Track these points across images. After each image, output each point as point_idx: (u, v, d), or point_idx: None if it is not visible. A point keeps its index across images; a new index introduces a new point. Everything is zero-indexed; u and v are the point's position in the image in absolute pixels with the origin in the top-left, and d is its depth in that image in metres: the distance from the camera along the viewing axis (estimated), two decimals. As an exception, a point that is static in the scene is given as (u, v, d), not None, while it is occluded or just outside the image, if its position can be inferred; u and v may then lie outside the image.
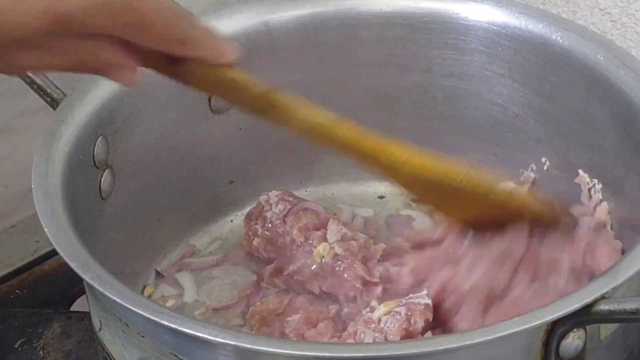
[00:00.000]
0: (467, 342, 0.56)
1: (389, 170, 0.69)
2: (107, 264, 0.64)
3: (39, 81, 0.75)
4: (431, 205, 0.75)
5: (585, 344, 0.59)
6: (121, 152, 0.77)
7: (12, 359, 0.79)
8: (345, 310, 0.77)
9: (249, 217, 0.83)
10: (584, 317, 0.57)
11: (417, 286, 0.75)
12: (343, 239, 0.79)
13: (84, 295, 0.80)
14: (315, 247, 0.79)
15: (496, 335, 0.57)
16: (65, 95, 0.75)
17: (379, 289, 0.77)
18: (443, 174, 0.69)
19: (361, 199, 0.90)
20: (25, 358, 0.79)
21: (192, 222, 0.86)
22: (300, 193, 0.89)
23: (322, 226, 0.80)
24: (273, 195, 0.83)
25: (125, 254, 0.79)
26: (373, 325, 0.68)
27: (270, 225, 0.81)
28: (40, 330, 0.81)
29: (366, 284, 0.77)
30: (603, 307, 0.57)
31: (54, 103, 0.75)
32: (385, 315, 0.69)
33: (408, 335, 0.67)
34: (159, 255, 0.84)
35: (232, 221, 0.88)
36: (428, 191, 0.70)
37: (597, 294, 0.57)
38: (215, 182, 0.87)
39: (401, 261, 0.77)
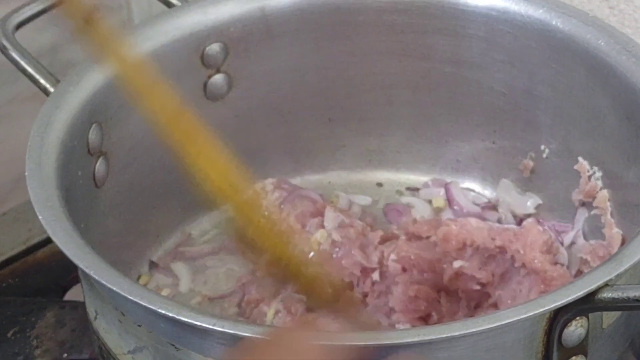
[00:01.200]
0: (471, 330, 0.56)
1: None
2: (102, 253, 0.63)
3: (30, 68, 0.73)
4: None
5: (587, 332, 0.58)
6: (115, 140, 0.76)
7: (5, 348, 0.78)
8: (342, 296, 0.76)
9: (245, 205, 0.82)
10: (587, 305, 0.57)
11: (404, 273, 0.76)
12: (341, 226, 0.78)
13: (78, 284, 0.79)
14: (312, 234, 0.78)
15: (499, 323, 0.56)
16: (58, 81, 0.74)
17: (376, 274, 0.76)
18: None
19: (359, 186, 0.89)
20: (19, 347, 0.78)
21: (188, 210, 0.85)
22: (296, 181, 0.88)
23: (319, 213, 0.80)
24: (268, 183, 0.82)
25: (120, 243, 0.78)
26: None
27: (266, 213, 0.80)
28: (33, 319, 0.80)
29: (364, 270, 0.77)
30: (607, 294, 0.56)
31: (47, 90, 0.73)
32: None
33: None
34: (154, 244, 0.84)
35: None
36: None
37: (600, 282, 0.57)
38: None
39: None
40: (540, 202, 0.84)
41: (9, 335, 0.79)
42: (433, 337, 0.55)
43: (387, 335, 0.58)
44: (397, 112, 0.87)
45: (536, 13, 0.78)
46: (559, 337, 0.58)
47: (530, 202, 0.84)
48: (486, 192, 0.87)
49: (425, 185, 0.88)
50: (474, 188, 0.87)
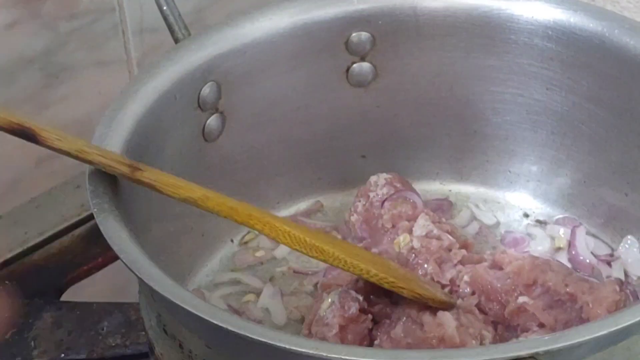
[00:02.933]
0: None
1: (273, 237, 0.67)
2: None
3: (170, 17, 0.79)
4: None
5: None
6: (237, 102, 0.80)
7: (3, 349, 0.78)
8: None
9: (358, 194, 0.84)
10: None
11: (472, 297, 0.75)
12: (427, 236, 0.78)
13: (74, 285, 0.85)
14: (398, 235, 0.78)
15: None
16: (189, 35, 0.79)
17: (446, 290, 0.76)
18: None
19: (492, 206, 0.87)
20: (17, 349, 0.78)
21: (315, 185, 0.88)
22: (433, 185, 0.88)
23: (414, 218, 0.80)
24: (382, 177, 0.83)
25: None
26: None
27: (369, 205, 0.82)
28: (30, 321, 0.80)
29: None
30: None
31: (178, 40, 0.79)
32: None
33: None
34: (272, 208, 0.86)
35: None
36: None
37: (526, 351, 0.53)
38: (346, 153, 0.87)
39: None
40: (659, 269, 0.78)
41: (7, 336, 0.79)
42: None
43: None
44: (541, 140, 0.84)
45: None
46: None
47: (649, 265, 0.79)
48: (613, 245, 0.82)
49: (556, 221, 0.84)
50: (600, 236, 0.82)
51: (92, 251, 0.87)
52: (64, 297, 0.85)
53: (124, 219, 0.64)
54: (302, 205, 0.88)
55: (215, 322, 0.57)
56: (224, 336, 0.58)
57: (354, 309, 0.72)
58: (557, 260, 0.77)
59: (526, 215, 0.86)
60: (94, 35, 0.90)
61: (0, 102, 0.86)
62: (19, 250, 0.88)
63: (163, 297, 0.58)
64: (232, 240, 0.85)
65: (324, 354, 0.55)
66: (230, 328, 0.56)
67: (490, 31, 0.81)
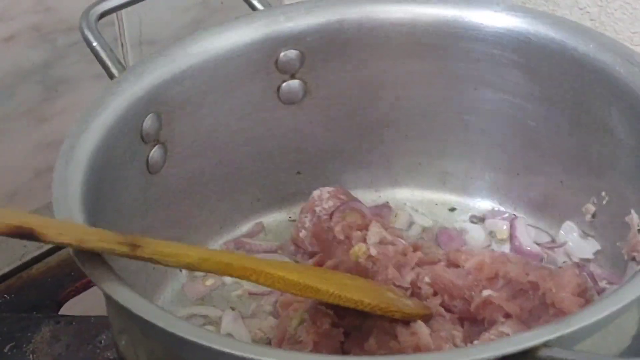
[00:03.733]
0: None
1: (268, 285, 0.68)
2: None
3: (102, 54, 0.78)
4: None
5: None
6: (177, 131, 0.80)
7: None
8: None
9: (302, 210, 0.85)
10: (525, 360, 0.56)
11: (435, 297, 0.76)
12: (381, 242, 0.79)
13: (72, 299, 0.85)
14: (353, 245, 0.79)
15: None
16: (124, 69, 0.78)
17: (407, 294, 0.77)
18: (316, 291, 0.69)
19: (429, 208, 0.89)
20: None
21: (256, 206, 0.88)
22: (369, 193, 0.90)
23: (365, 227, 0.81)
24: (325, 191, 0.84)
25: (176, 229, 0.82)
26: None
27: (317, 220, 0.83)
28: (29, 335, 0.81)
29: (396, 288, 0.77)
30: (543, 354, 0.55)
31: (113, 75, 0.78)
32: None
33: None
34: (215, 234, 0.87)
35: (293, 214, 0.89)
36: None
37: (535, 341, 0.55)
38: (283, 171, 0.88)
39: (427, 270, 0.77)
40: (599, 248, 0.81)
41: (5, 350, 0.80)
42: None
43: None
44: (472, 138, 0.87)
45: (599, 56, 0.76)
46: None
47: (589, 248, 0.82)
48: (551, 232, 0.85)
49: (494, 214, 0.87)
50: (539, 225, 0.85)
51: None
52: (62, 311, 0.85)
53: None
54: (244, 227, 0.88)
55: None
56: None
57: (326, 324, 0.72)
58: (512, 253, 0.80)
59: (463, 213, 0.88)
60: None
61: (0, 116, 0.85)
62: (18, 263, 0.89)
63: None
64: (180, 270, 0.84)
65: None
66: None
67: (415, 37, 0.83)
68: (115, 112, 0.75)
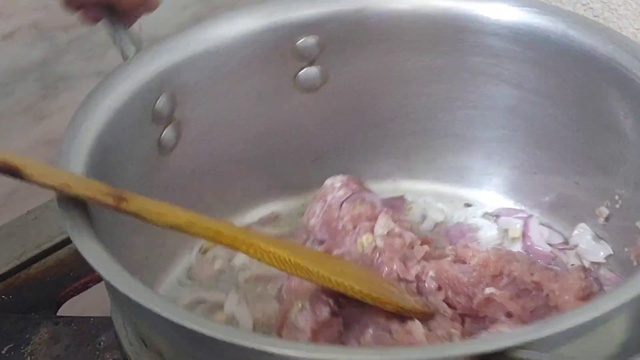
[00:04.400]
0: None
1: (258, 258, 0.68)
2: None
3: (116, 36, 0.79)
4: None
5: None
6: (190, 114, 0.80)
7: None
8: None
9: (316, 197, 0.85)
10: (499, 361, 0.55)
11: (439, 292, 0.76)
12: (389, 234, 0.79)
13: (71, 299, 0.85)
14: (360, 236, 0.79)
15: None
16: (138, 51, 0.79)
17: (412, 287, 0.77)
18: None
19: (445, 202, 0.88)
20: None
21: (269, 193, 0.88)
22: (386, 184, 0.89)
23: (374, 218, 0.81)
24: (337, 180, 0.84)
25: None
26: None
27: (328, 208, 0.83)
28: (27, 336, 0.80)
29: (401, 280, 0.77)
30: (518, 356, 0.54)
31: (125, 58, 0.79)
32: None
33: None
34: (229, 216, 0.86)
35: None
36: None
37: (511, 343, 0.55)
38: (299, 158, 0.88)
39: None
40: (611, 252, 0.80)
41: (3, 352, 0.79)
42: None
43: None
44: (490, 135, 0.86)
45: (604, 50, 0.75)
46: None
47: (601, 251, 0.81)
48: (565, 233, 0.84)
49: (508, 212, 0.86)
50: (553, 226, 0.84)
51: (89, 265, 0.86)
52: (61, 311, 0.85)
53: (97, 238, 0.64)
54: (257, 213, 0.88)
55: (189, 326, 0.57)
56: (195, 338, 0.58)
57: (325, 313, 0.72)
58: (520, 251, 0.79)
59: (478, 209, 0.87)
60: (92, 45, 0.91)
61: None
62: (16, 263, 0.88)
63: (147, 310, 0.58)
64: (191, 250, 0.85)
65: (316, 356, 0.55)
66: (205, 332, 0.57)
67: (438, 31, 0.83)
68: (126, 91, 0.75)
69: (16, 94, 0.82)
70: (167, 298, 0.60)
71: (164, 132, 0.79)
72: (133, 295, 0.59)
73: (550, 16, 0.79)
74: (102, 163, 0.71)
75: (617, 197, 0.78)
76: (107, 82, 0.76)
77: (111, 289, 0.64)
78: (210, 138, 0.83)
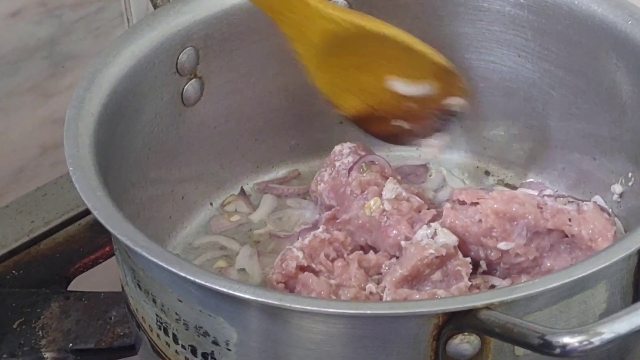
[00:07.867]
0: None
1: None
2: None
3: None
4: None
5: (478, 352, 0.57)
6: (215, 68, 0.82)
7: (10, 339, 0.79)
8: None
9: (326, 163, 0.85)
10: (466, 321, 0.56)
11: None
12: (397, 198, 0.79)
13: (81, 275, 0.85)
14: (368, 200, 0.80)
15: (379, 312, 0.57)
16: (168, 1, 0.80)
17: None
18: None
19: (466, 171, 0.89)
20: (24, 338, 0.79)
21: (292, 153, 0.90)
22: (411, 151, 0.89)
23: (383, 184, 0.81)
24: (346, 146, 0.84)
25: (211, 164, 0.85)
26: None
27: (336, 174, 0.83)
28: (38, 311, 0.80)
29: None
30: (484, 316, 0.55)
31: (156, 7, 0.80)
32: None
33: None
34: (252, 173, 0.89)
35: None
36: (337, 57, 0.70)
37: (479, 302, 0.55)
38: (324, 119, 0.89)
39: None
40: (623, 232, 0.80)
41: (14, 326, 0.79)
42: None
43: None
44: (513, 106, 0.86)
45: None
46: (444, 346, 0.57)
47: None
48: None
49: (526, 185, 0.86)
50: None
51: (99, 240, 0.88)
52: (70, 287, 0.85)
53: (101, 181, 0.66)
54: (280, 172, 0.90)
55: (183, 274, 0.59)
56: (193, 289, 0.60)
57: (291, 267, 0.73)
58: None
59: (497, 180, 0.88)
60: (99, 24, 0.90)
61: (4, 92, 0.86)
62: (26, 239, 0.88)
63: (137, 252, 0.60)
64: (211, 204, 0.87)
65: (287, 305, 0.57)
66: (197, 280, 0.58)
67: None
68: (149, 42, 0.77)
69: (23, 73, 0.82)
70: (164, 249, 0.62)
71: (187, 85, 0.81)
72: (131, 244, 0.61)
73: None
74: (118, 108, 0.73)
75: (630, 175, 0.78)
76: (134, 29, 0.78)
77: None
78: (235, 95, 0.84)
